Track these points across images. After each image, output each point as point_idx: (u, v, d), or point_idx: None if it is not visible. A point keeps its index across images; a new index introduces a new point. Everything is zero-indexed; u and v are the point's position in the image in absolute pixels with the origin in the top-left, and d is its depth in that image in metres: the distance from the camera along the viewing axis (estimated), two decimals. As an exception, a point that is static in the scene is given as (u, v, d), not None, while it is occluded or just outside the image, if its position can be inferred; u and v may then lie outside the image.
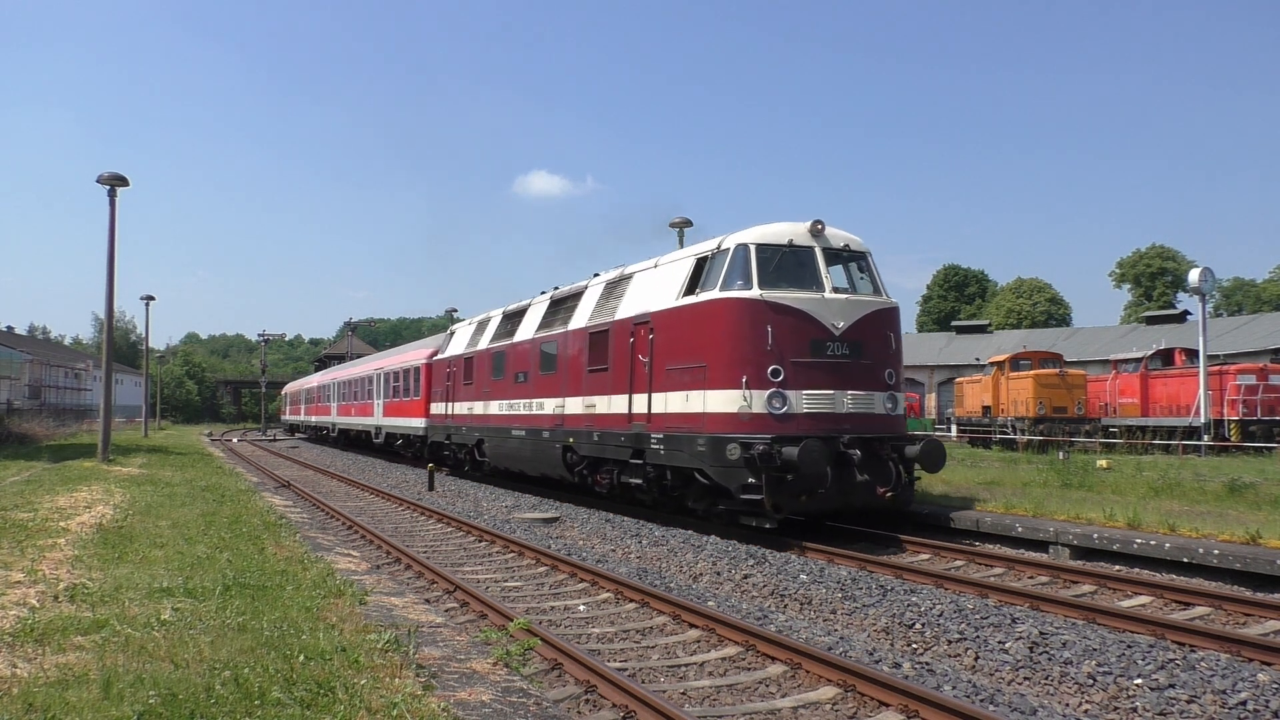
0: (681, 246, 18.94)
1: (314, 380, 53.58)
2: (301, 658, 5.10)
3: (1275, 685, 5.98)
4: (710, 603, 8.88)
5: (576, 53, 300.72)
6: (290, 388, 65.15)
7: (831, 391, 12.01)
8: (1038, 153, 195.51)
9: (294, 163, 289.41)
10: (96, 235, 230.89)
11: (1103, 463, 20.19)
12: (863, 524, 13.33)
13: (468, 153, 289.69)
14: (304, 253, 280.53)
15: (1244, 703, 5.75)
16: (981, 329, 66.95)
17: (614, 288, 15.97)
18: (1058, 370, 31.86)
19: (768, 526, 11.93)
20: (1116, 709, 5.99)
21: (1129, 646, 6.81)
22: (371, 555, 11.85)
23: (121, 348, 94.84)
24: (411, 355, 30.54)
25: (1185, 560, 10.04)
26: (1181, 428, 27.78)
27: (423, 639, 5.96)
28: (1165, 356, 31.74)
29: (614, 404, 14.81)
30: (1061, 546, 11.32)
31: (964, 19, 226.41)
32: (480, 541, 13.22)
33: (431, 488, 21.02)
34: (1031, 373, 31.67)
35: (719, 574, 10.56)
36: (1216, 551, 9.79)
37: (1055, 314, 76.77)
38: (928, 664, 6.90)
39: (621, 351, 14.63)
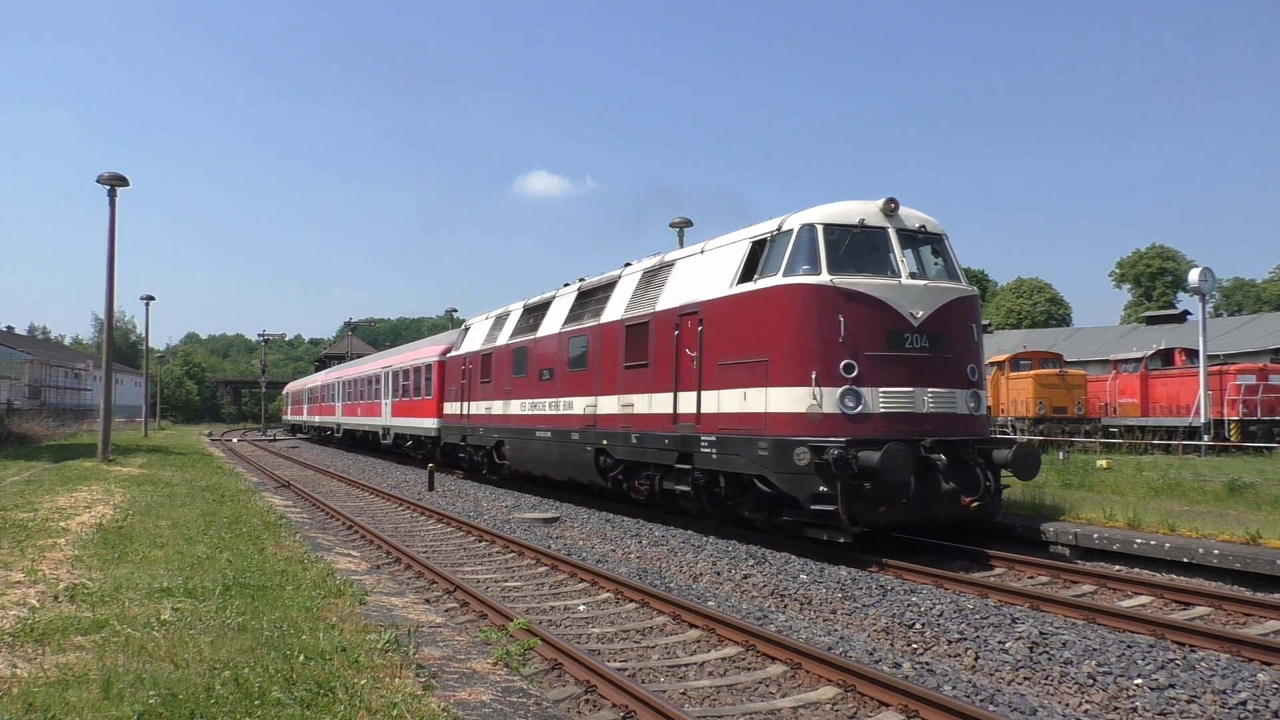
0: (681, 246, 18.56)
1: (317, 379, 52.83)
2: (301, 658, 5.10)
3: (1275, 685, 5.98)
4: (710, 603, 8.88)
5: (577, 53, 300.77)
6: (292, 387, 64.54)
7: (910, 389, 10.81)
8: (1038, 153, 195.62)
9: (294, 162, 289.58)
10: (96, 235, 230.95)
11: (1103, 463, 20.18)
12: (920, 534, 12.17)
13: (468, 152, 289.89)
14: (304, 253, 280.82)
15: (1244, 703, 5.75)
16: (982, 329, 66.75)
17: (652, 277, 14.78)
18: (1058, 370, 31.83)
19: (841, 541, 10.63)
20: (1116, 709, 5.99)
21: (1129, 646, 6.81)
22: (371, 555, 11.84)
23: (121, 348, 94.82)
24: (422, 352, 29.29)
25: (1185, 560, 10.04)
26: (1181, 428, 27.77)
27: (423, 639, 5.96)
28: (1165, 356, 31.73)
29: (656, 403, 13.70)
30: (1062, 546, 11.32)
31: (963, 19, 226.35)
32: (480, 541, 13.21)
33: (431, 488, 21.02)
34: (1031, 373, 31.65)
35: (719, 574, 10.55)
36: (1216, 551, 9.79)
37: (1055, 314, 76.77)
38: (928, 664, 6.90)
39: (664, 346, 13.49)
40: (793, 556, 11.00)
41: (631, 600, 9.11)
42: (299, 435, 58.34)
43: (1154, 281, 77.15)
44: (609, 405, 15.24)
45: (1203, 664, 6.39)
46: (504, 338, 21.04)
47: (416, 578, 10.53)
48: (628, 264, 16.41)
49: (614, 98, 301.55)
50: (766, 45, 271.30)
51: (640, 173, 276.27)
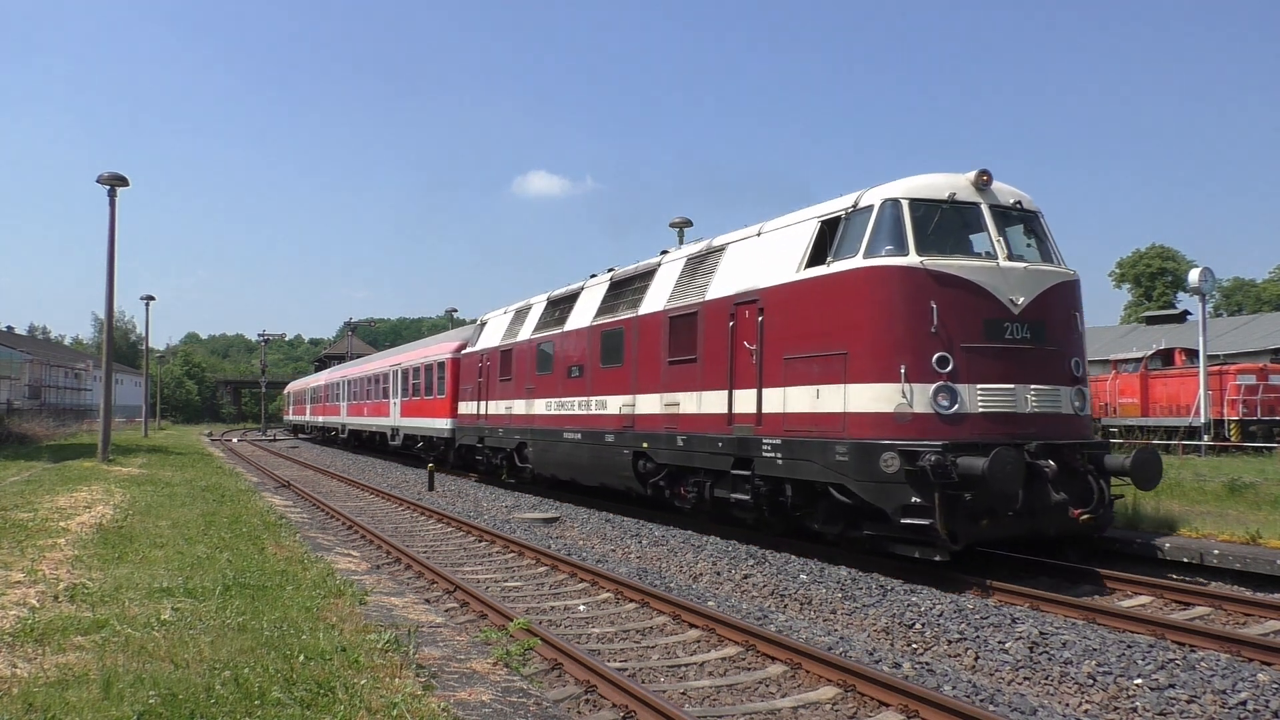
0: (682, 245, 18.35)
1: (321, 378, 51.96)
2: (301, 658, 5.10)
3: (1275, 685, 5.98)
4: (710, 603, 8.89)
5: (577, 52, 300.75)
6: (294, 386, 63.89)
7: (1011, 385, 9.66)
8: (1037, 152, 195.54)
9: (294, 163, 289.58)
10: (96, 235, 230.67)
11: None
12: (1001, 548, 11.12)
13: (468, 152, 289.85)
14: (304, 253, 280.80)
15: (1244, 703, 5.75)
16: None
17: (699, 263, 13.60)
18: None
19: (937, 559, 9.45)
20: (1116, 709, 5.99)
21: (1129, 646, 6.82)
22: (371, 555, 11.85)
23: (121, 348, 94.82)
24: (435, 349, 27.98)
25: (1185, 560, 10.04)
26: (1181, 428, 27.77)
27: (423, 639, 5.96)
28: (1165, 356, 31.71)
29: (706, 402, 12.53)
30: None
31: (963, 18, 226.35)
32: (480, 541, 13.22)
33: (431, 488, 21.02)
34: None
35: (719, 574, 10.55)
36: (1216, 551, 9.79)
37: (1055, 314, 76.61)
38: (928, 664, 6.90)
39: (716, 338, 12.33)
40: (793, 557, 10.99)
41: (631, 600, 9.11)
42: (300, 436, 58.04)
43: (1154, 281, 77.13)
44: (649, 404, 14.17)
45: (1203, 664, 6.39)
46: (526, 333, 19.87)
47: (416, 578, 10.53)
48: (664, 251, 15.45)
49: (615, 97, 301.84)
50: (765, 45, 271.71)
51: (640, 172, 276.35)
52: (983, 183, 10.47)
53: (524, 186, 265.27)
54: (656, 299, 14.37)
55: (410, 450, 29.93)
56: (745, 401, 11.62)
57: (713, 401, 12.37)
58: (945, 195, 10.22)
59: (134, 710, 4.22)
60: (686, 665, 7.04)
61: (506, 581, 10.38)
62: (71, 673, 4.84)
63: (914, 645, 7.68)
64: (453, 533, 14.22)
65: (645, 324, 14.43)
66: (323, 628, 5.91)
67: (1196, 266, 27.10)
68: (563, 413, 17.34)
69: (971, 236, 10.32)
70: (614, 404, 15.26)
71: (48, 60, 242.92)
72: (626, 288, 15.81)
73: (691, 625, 8.04)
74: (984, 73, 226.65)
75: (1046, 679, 6.56)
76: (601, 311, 16.29)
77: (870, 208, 10.28)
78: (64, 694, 4.45)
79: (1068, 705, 6.20)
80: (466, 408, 23.52)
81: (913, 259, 9.70)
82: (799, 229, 11.44)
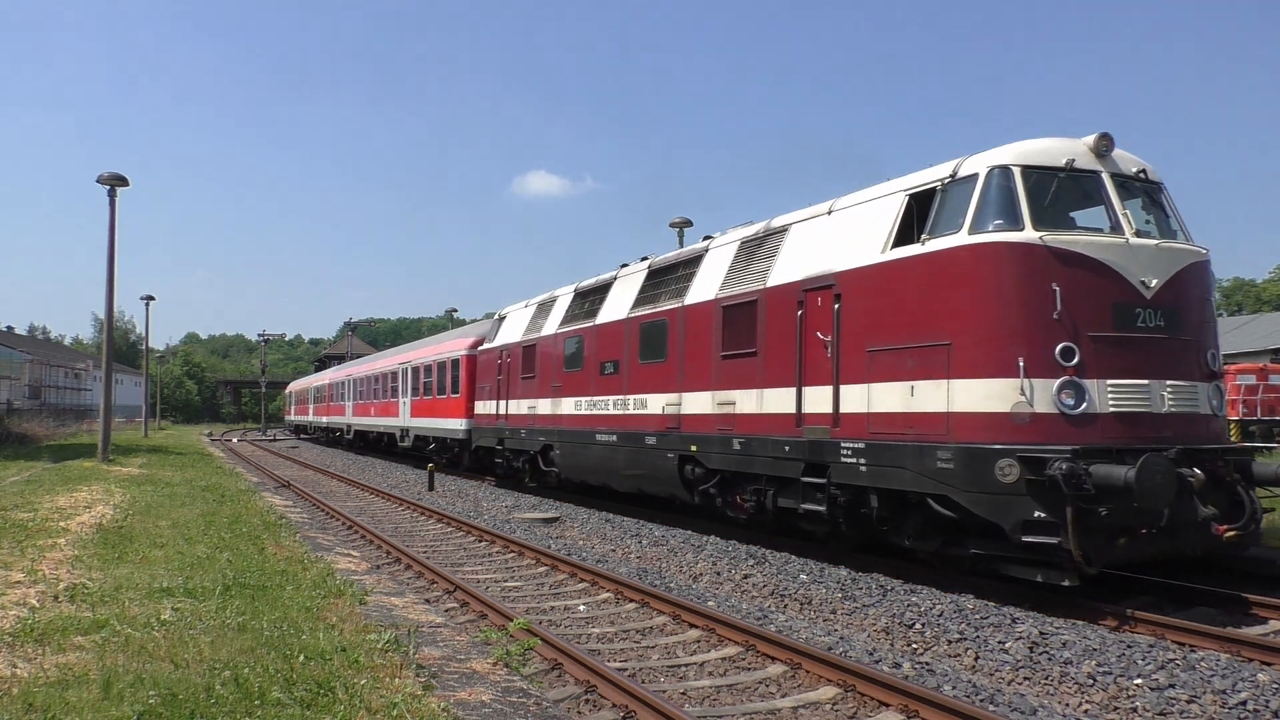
0: (682, 246, 17.90)
1: (324, 377, 50.90)
2: (301, 658, 5.11)
3: (1275, 685, 5.98)
4: (710, 603, 8.89)
5: (577, 52, 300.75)
6: (295, 386, 63.18)
7: (1146, 381, 8.37)
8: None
9: (294, 162, 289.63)
10: (96, 235, 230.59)
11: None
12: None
13: (468, 152, 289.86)
14: (304, 253, 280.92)
15: (1244, 703, 5.75)
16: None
17: (756, 246, 12.25)
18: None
19: (1065, 584, 8.04)
20: (1116, 709, 5.99)
21: (1129, 646, 6.82)
22: (371, 555, 11.85)
23: (121, 348, 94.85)
24: (448, 346, 26.66)
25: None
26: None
27: (423, 639, 5.97)
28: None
29: (768, 400, 11.25)
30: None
31: (963, 17, 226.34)
32: (480, 541, 13.22)
33: (431, 488, 21.02)
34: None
35: (719, 574, 10.55)
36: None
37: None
38: (928, 664, 6.90)
39: (781, 329, 11.08)
40: (793, 557, 10.99)
41: (631, 600, 9.12)
42: (302, 436, 57.69)
43: (1154, 281, 77.10)
44: (698, 403, 12.85)
45: (1203, 664, 6.39)
46: (551, 327, 18.38)
47: (416, 578, 10.53)
48: (708, 237, 14.09)
49: (614, 97, 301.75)
50: (766, 44, 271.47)
51: (639, 172, 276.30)
52: (1104, 148, 9.19)
53: (524, 186, 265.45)
54: (705, 287, 13.05)
55: (422, 452, 28.48)
56: (818, 400, 10.37)
57: (777, 400, 11.13)
58: (1062, 162, 8.95)
59: (134, 710, 4.22)
60: (686, 665, 7.04)
61: (506, 581, 10.38)
62: (71, 673, 4.84)
63: (914, 645, 7.68)
64: (453, 533, 14.23)
65: (692, 314, 13.15)
66: (323, 628, 5.91)
67: (1196, 266, 27.01)
68: (595, 412, 16.04)
69: (1093, 209, 9.10)
70: (656, 403, 14.03)
71: (47, 59, 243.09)
72: (668, 276, 14.52)
73: (691, 625, 8.04)
74: (980, 70, 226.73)
75: (1046, 679, 6.56)
76: (639, 302, 15.02)
77: (974, 177, 9.03)
78: (64, 694, 4.45)
79: (1068, 705, 6.20)
80: (484, 407, 22.14)
81: (1030, 234, 8.43)
82: (882, 204, 10.14)
